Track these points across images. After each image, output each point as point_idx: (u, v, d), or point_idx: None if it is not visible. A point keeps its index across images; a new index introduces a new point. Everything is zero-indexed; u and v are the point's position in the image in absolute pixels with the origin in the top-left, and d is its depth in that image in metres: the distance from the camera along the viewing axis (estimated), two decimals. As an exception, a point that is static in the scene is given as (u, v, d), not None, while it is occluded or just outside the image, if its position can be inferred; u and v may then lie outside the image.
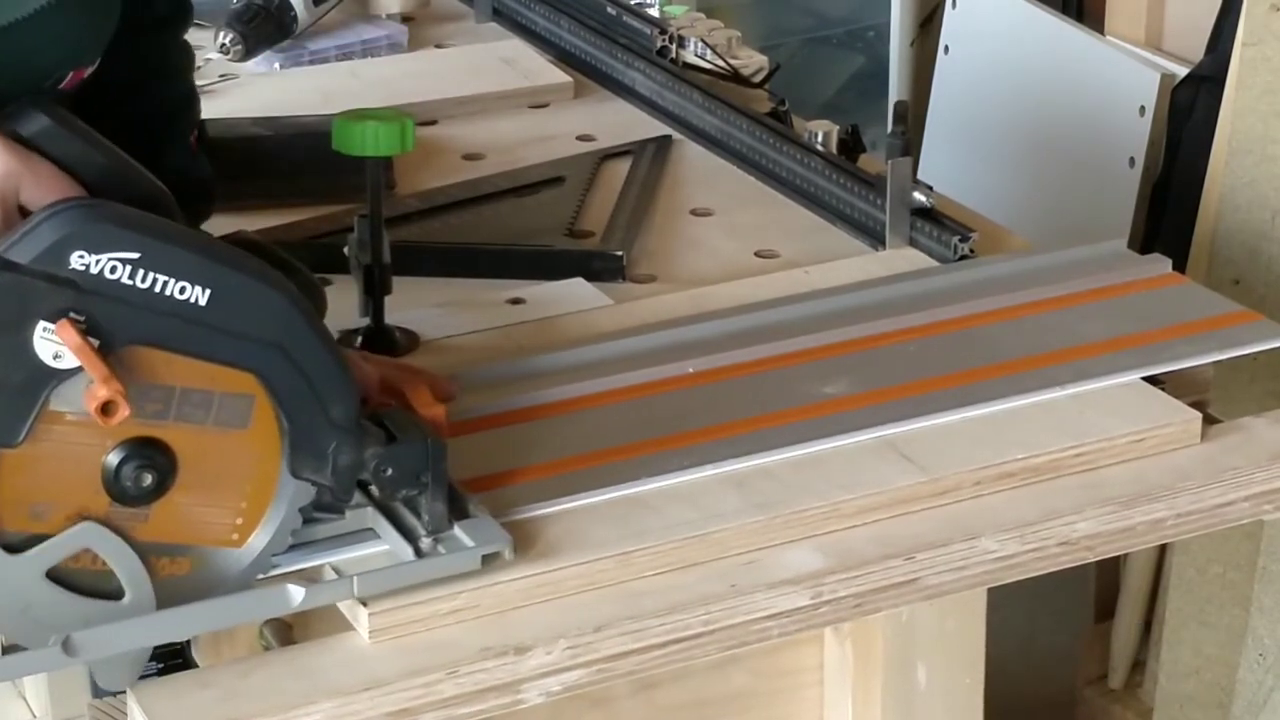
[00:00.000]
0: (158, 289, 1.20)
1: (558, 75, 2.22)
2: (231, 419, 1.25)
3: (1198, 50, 2.71)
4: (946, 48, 3.11)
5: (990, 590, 1.46)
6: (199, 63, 2.25)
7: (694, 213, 1.91)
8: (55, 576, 1.23)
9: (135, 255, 1.19)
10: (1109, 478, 1.44)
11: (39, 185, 1.24)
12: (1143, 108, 2.66)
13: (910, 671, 1.51)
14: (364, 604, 1.27)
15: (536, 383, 1.52)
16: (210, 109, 2.10)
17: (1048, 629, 2.56)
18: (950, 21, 3.10)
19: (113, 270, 1.19)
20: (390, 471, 1.29)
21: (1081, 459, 1.45)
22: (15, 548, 1.21)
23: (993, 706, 1.58)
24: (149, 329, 1.20)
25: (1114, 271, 1.68)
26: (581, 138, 2.08)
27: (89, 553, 1.23)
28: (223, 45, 2.24)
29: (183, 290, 1.21)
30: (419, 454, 1.29)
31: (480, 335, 1.64)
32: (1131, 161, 2.67)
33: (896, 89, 3.37)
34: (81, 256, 1.18)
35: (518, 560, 1.32)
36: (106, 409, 1.19)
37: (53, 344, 1.18)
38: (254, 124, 2.02)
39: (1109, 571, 2.63)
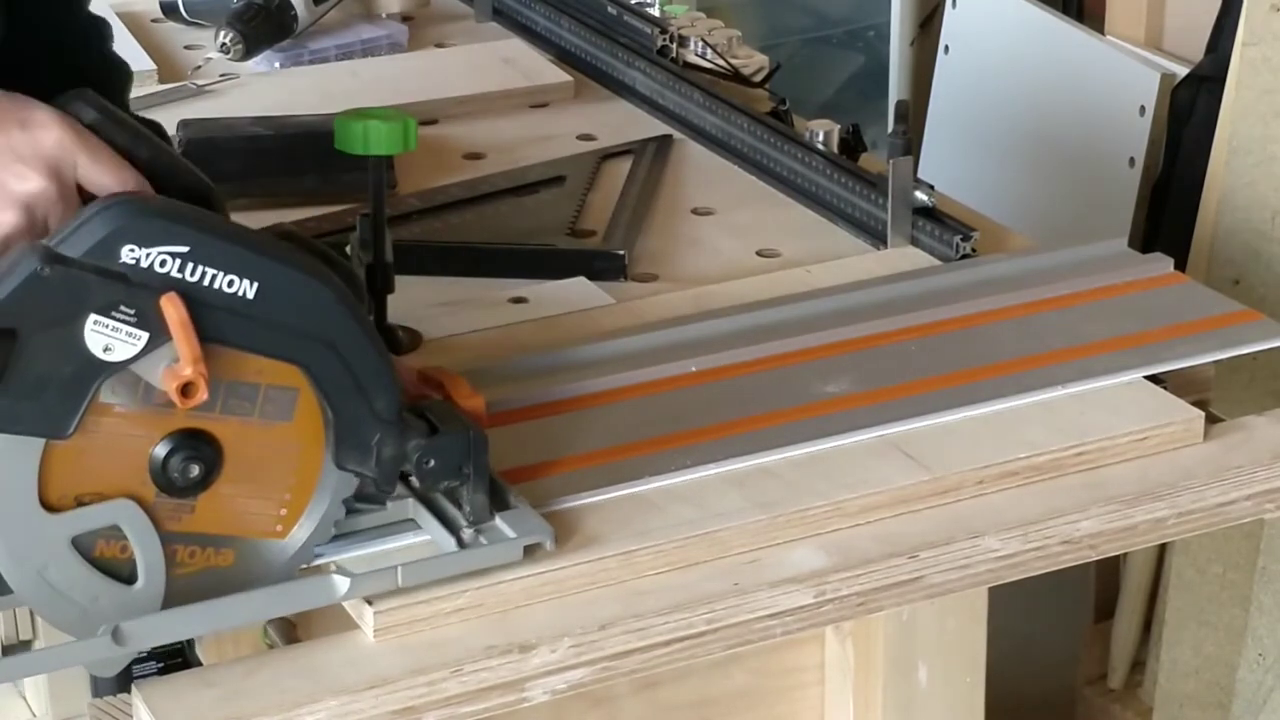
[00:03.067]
0: (206, 282, 1.21)
1: (558, 75, 2.22)
2: (277, 411, 1.26)
3: (1198, 50, 2.71)
4: (946, 48, 3.11)
5: (990, 590, 1.47)
6: (199, 62, 2.26)
7: (695, 212, 1.91)
8: (79, 546, 1.23)
9: (185, 249, 1.21)
10: (1111, 476, 1.45)
11: (97, 162, 1.25)
12: (1143, 108, 2.66)
13: (911, 671, 1.52)
14: (369, 602, 1.28)
15: (536, 381, 1.52)
16: (210, 109, 2.12)
17: (1048, 629, 2.56)
18: (950, 21, 3.10)
19: (162, 264, 1.20)
20: (432, 463, 1.30)
21: (1084, 458, 1.45)
22: (54, 508, 1.22)
23: (992, 706, 1.58)
24: (197, 322, 1.21)
25: (1115, 271, 1.68)
26: (582, 137, 2.08)
27: (118, 542, 1.24)
28: (223, 45, 2.24)
29: (231, 284, 1.22)
30: (461, 445, 1.31)
31: (483, 334, 1.64)
32: (1131, 161, 2.67)
33: (896, 89, 3.37)
34: (132, 250, 1.20)
35: (520, 559, 1.32)
36: (187, 390, 1.20)
37: (104, 337, 1.20)
38: (254, 124, 2.02)
39: (1109, 571, 2.63)
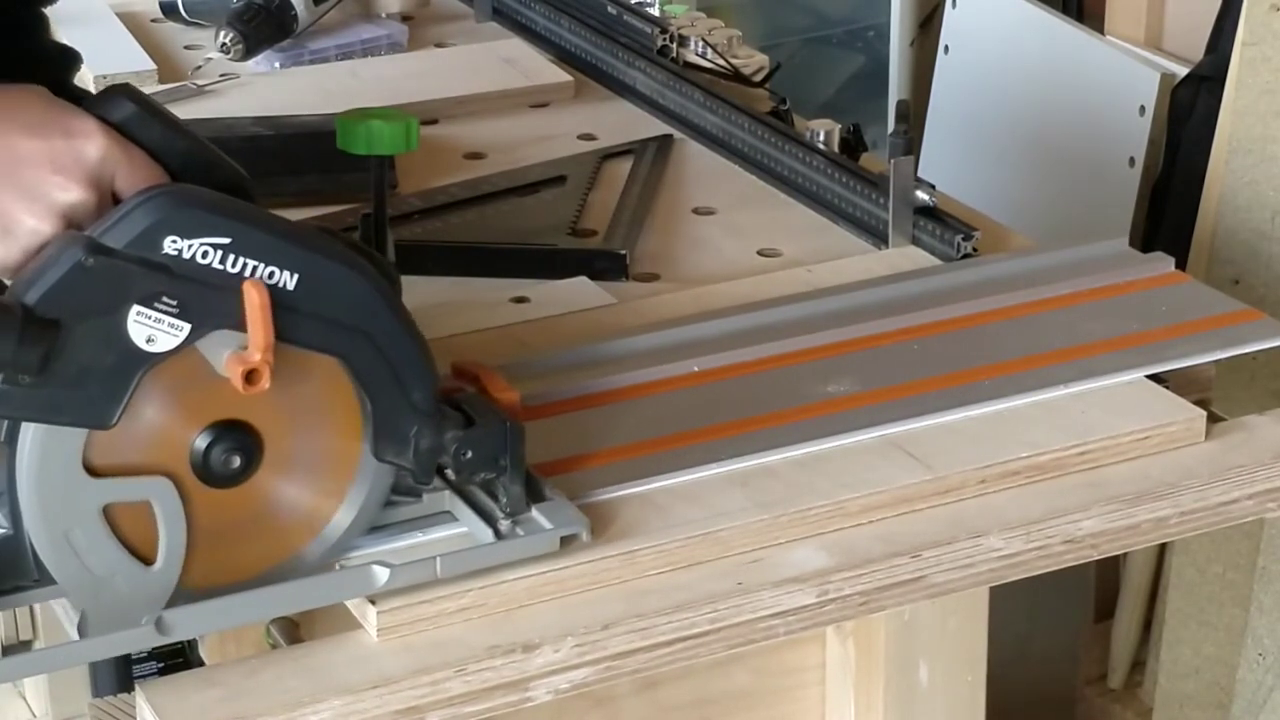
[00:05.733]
0: (247, 273, 1.22)
1: (558, 74, 2.22)
2: (315, 403, 1.27)
3: (1198, 50, 2.72)
4: (946, 48, 3.12)
5: (991, 589, 1.47)
6: (199, 62, 2.26)
7: (696, 212, 1.92)
8: (109, 517, 1.23)
9: (226, 240, 1.21)
10: (1113, 476, 1.45)
11: (133, 172, 1.26)
12: (1143, 108, 2.67)
13: (912, 670, 1.52)
14: (372, 602, 1.28)
15: (536, 382, 1.52)
16: (210, 109, 2.12)
17: (1048, 629, 2.56)
18: (950, 21, 3.10)
19: (204, 255, 1.21)
20: (469, 454, 1.30)
21: (1085, 457, 1.45)
22: (95, 473, 1.22)
23: (993, 705, 1.58)
24: (238, 313, 1.21)
25: (1117, 270, 1.68)
26: (582, 137, 2.08)
27: (149, 519, 1.24)
28: (223, 45, 2.24)
29: (271, 275, 1.22)
30: (498, 437, 1.31)
31: (484, 334, 1.64)
32: (1131, 161, 2.68)
33: (896, 89, 3.37)
34: (174, 241, 1.20)
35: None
36: (251, 376, 1.21)
37: (146, 328, 1.20)
38: (254, 124, 2.02)
39: (1109, 571, 2.63)
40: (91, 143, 1.25)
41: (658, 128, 2.09)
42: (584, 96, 2.20)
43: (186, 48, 2.35)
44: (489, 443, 1.31)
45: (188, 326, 1.21)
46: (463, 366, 1.42)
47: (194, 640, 1.79)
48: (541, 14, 2.33)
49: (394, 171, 1.93)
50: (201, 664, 1.69)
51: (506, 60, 2.26)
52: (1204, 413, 1.49)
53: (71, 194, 1.24)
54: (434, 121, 2.11)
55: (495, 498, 1.33)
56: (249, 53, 2.25)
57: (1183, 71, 2.70)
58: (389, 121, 1.53)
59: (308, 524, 1.29)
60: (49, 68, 1.61)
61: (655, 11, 2.35)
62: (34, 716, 2.48)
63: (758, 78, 2.17)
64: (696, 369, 1.54)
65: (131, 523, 1.24)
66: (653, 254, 1.82)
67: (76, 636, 1.25)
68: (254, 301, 1.20)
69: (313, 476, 1.28)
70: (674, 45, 2.17)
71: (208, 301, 1.21)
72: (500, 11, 2.42)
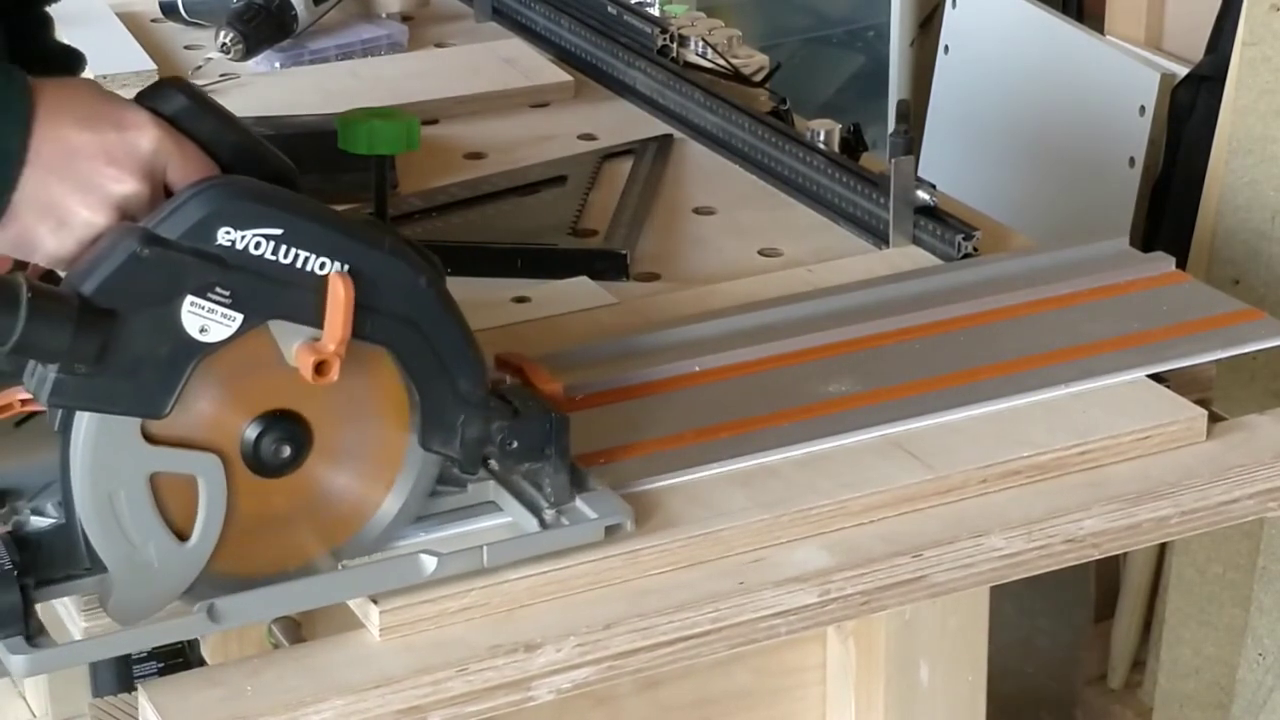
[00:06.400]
0: (299, 264, 1.22)
1: (558, 74, 2.22)
2: (364, 393, 1.27)
3: (1198, 50, 2.72)
4: (946, 48, 3.12)
5: (991, 589, 1.47)
6: (199, 62, 2.26)
7: (696, 211, 1.92)
8: (154, 487, 1.24)
9: (278, 231, 1.22)
10: (1114, 475, 1.45)
11: (185, 164, 1.27)
12: (1143, 108, 2.67)
13: (913, 670, 1.52)
14: (375, 601, 1.28)
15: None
16: (211, 108, 2.11)
17: (1048, 628, 2.56)
18: (950, 21, 3.11)
19: (257, 246, 1.22)
20: (515, 444, 1.31)
21: (1087, 457, 1.45)
22: (152, 441, 1.23)
23: (993, 705, 1.58)
24: (289, 304, 1.22)
25: (1117, 270, 1.68)
26: (583, 137, 2.09)
27: (191, 499, 1.24)
28: (223, 44, 2.24)
29: (323, 266, 1.23)
30: (543, 427, 1.32)
31: (485, 334, 1.63)
32: (1131, 161, 2.68)
33: (896, 89, 3.37)
34: (228, 233, 1.21)
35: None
36: (321, 368, 1.22)
37: (200, 318, 1.21)
38: (254, 124, 2.02)
39: (1109, 571, 2.63)
40: (144, 135, 1.26)
41: (658, 128, 2.09)
42: (584, 96, 2.20)
43: (186, 48, 2.35)
44: (535, 433, 1.32)
45: (240, 317, 1.22)
46: (506, 357, 1.43)
47: (195, 639, 1.80)
48: (541, 14, 2.33)
49: (394, 171, 1.93)
50: (202, 663, 1.69)
51: (506, 60, 2.26)
52: (1205, 412, 1.49)
53: (125, 186, 1.25)
54: (434, 121, 2.11)
55: (539, 487, 1.34)
56: (249, 53, 2.25)
57: (1183, 71, 2.70)
58: (389, 121, 1.53)
59: (354, 513, 1.30)
60: (54, 68, 1.61)
61: (655, 11, 2.35)
62: (34, 716, 2.47)
63: (758, 78, 2.17)
64: (697, 369, 1.54)
65: (174, 499, 1.24)
66: (653, 254, 1.82)
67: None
68: (338, 295, 1.22)
69: (360, 466, 1.29)
70: (674, 45, 2.17)
71: (260, 292, 1.22)
72: (500, 11, 2.42)
